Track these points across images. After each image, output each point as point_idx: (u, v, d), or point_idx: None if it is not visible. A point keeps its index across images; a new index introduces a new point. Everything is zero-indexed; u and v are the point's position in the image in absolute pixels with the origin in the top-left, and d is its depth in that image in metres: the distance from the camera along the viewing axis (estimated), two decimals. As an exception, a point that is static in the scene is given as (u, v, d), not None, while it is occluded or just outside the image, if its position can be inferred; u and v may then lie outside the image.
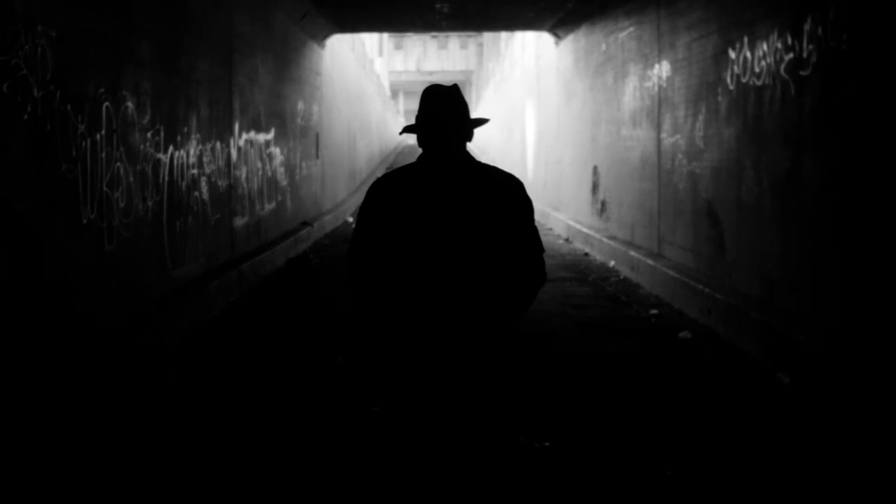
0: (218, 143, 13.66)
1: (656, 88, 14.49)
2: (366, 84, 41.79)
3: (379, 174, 43.82)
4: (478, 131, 72.32)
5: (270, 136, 17.83)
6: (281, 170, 18.99)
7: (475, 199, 4.03)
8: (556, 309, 12.01)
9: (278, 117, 18.67)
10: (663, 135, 14.07)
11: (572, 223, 21.38)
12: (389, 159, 54.81)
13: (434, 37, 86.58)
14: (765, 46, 9.84)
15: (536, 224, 4.85)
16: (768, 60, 9.74)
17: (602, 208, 18.92)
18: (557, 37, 24.67)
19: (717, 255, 11.47)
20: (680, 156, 13.12)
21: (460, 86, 53.66)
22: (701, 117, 12.14)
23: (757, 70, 10.08)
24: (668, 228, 13.86)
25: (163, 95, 10.90)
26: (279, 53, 18.87)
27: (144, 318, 9.61)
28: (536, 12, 21.91)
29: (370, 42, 51.15)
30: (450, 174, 4.08)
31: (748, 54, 10.35)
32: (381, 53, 66.19)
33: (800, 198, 8.97)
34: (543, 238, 21.52)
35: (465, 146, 4.14)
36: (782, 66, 9.34)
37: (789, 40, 9.17)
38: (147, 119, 10.25)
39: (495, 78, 54.90)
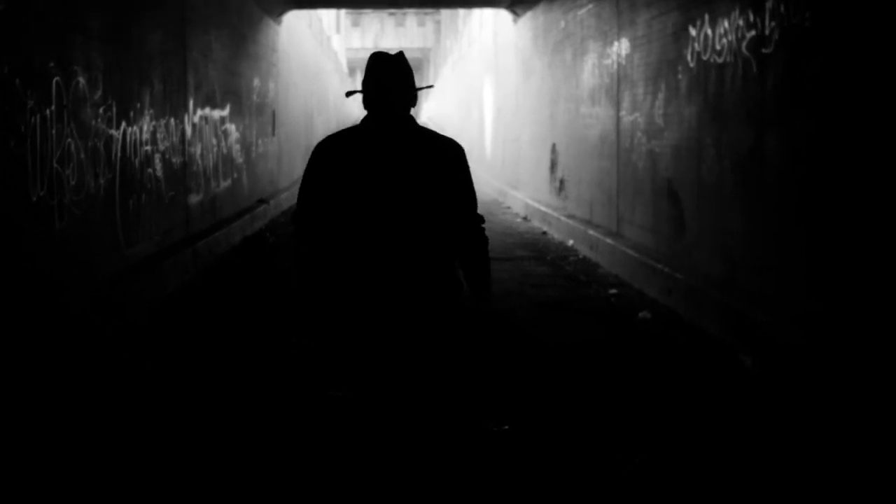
0: (172, 120, 13.42)
1: (615, 66, 14.39)
2: (323, 61, 41.47)
3: (336, 152, 43.81)
4: (435, 108, 72.27)
5: (226, 112, 17.59)
6: (237, 147, 18.76)
7: (416, 160, 4.16)
8: (515, 288, 11.89)
9: (234, 94, 18.42)
10: (622, 113, 13.98)
11: (530, 202, 21.28)
12: (346, 137, 54.43)
13: (391, 14, 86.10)
14: (726, 24, 9.74)
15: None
16: (730, 38, 9.64)
17: (560, 187, 18.83)
18: (516, 14, 24.52)
19: (678, 235, 11.40)
20: (639, 134, 13.03)
21: (418, 63, 53.60)
22: (661, 95, 12.05)
23: (718, 48, 9.99)
24: (627, 207, 13.78)
25: (114, 69, 10.66)
26: (234, 29, 18.60)
27: (102, 299, 9.41)
28: (495, -11, 21.76)
29: (327, 19, 50.74)
30: (392, 137, 4.19)
31: (709, 32, 10.25)
32: (338, 30, 65.75)
33: (762, 175, 8.89)
34: (501, 217, 21.43)
35: (408, 111, 4.27)
36: (744, 44, 9.24)
37: (751, 17, 9.07)
38: (99, 94, 10.02)
39: (453, 56, 54.70)
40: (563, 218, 17.38)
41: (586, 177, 16.47)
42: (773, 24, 8.57)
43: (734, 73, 9.55)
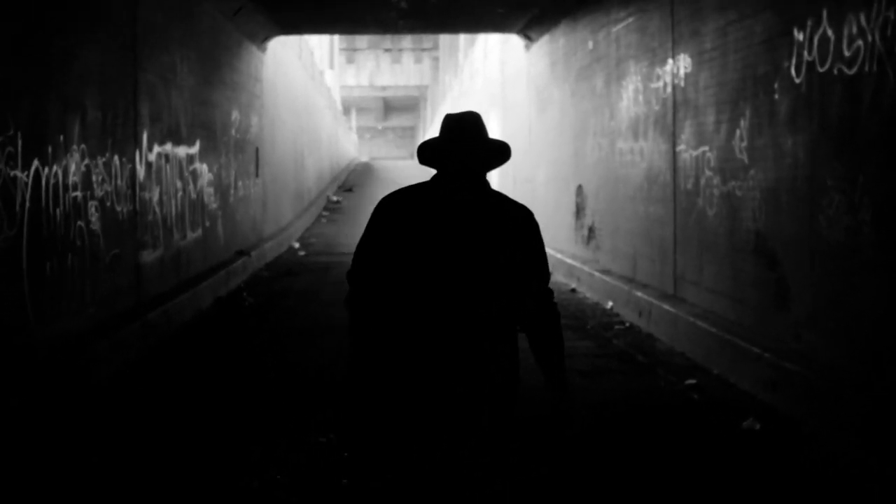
0: (116, 158, 10.63)
1: (669, 89, 11.61)
2: (315, 96, 38.75)
3: (330, 194, 41.17)
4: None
5: (195, 149, 14.80)
6: (209, 190, 15.94)
7: (486, 225, 3.90)
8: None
9: (206, 128, 15.63)
10: (681, 147, 11.19)
11: (550, 251, 18.41)
12: (342, 177, 51.72)
13: (387, 50, 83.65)
14: (862, 19, 6.96)
15: None
16: (869, 39, 6.87)
17: (589, 235, 16.02)
18: (529, 39, 21.79)
19: (776, 308, 8.58)
20: (709, 173, 10.24)
21: (414, 101, 51.28)
22: (744, 122, 9.27)
23: (848, 54, 7.20)
24: (690, 265, 10.97)
25: (22, 92, 7.91)
26: (207, 52, 15.84)
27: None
28: (507, 9, 19.01)
29: (320, 52, 48.20)
30: (462, 198, 3.93)
31: (829, 33, 7.48)
32: (332, 66, 63.18)
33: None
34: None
35: (483, 172, 4.00)
36: (899, 45, 6.48)
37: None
38: (-14, 122, 7.25)
39: (453, 92, 51.96)
40: (595, 273, 14.55)
41: (626, 225, 13.66)
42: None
43: (878, 87, 6.76)
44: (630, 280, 13.23)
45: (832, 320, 7.56)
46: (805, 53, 7.90)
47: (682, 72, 11.14)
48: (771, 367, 8.06)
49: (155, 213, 12.47)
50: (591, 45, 15.79)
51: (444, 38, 68.40)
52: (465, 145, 3.95)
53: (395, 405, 3.88)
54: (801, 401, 7.48)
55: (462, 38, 51.42)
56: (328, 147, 46.78)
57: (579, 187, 16.73)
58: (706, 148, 10.32)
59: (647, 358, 9.98)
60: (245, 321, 13.03)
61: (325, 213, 33.85)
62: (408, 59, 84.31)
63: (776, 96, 8.49)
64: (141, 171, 11.78)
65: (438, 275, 3.84)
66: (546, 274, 3.99)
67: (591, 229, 15.93)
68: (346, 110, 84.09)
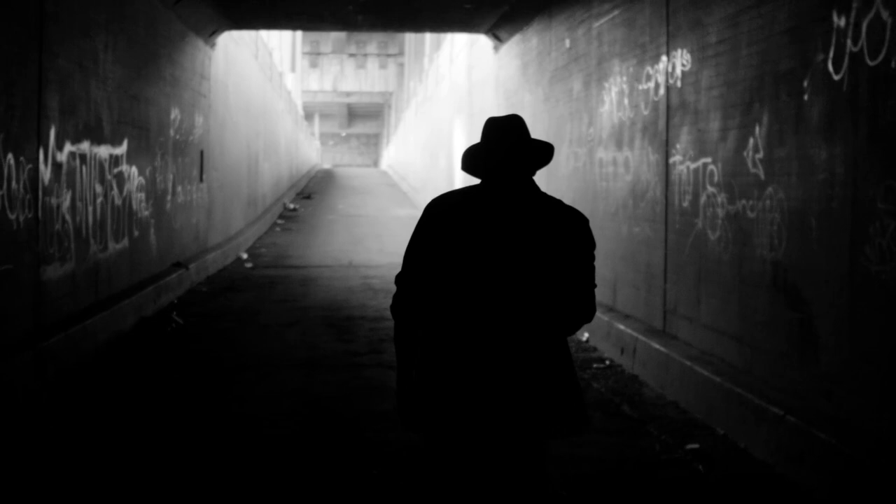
0: (11, 157, 8.93)
1: (662, 91, 10.03)
2: (273, 99, 37.01)
3: (287, 201, 39.39)
4: (395, 156, 67.73)
5: (121, 149, 13.06)
6: (139, 196, 14.21)
7: (537, 230, 3.84)
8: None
9: (137, 126, 13.90)
10: (676, 158, 9.60)
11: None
12: (301, 184, 49.96)
13: (352, 55, 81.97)
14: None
15: None
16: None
17: (562, 255, 14.42)
18: (498, 39, 20.19)
19: (800, 357, 6.99)
20: (711, 189, 8.65)
21: (378, 108, 50.10)
22: (759, 129, 7.68)
23: (911, 41, 5.63)
24: (684, 296, 9.37)
25: None
26: (141, 42, 14.12)
27: None
28: (475, 4, 17.38)
29: (280, 54, 46.44)
30: (511, 202, 3.87)
31: (884, 15, 5.90)
32: (293, 69, 61.33)
33: None
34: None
35: (530, 174, 3.95)
36: None
37: None
38: None
39: (417, 97, 50.31)
40: (569, 298, 12.93)
41: (605, 245, 12.05)
42: None
43: (958, 84, 5.18)
44: (609, 309, 11.62)
45: (879, 378, 5.97)
46: (849, 43, 6.31)
47: (678, 70, 9.56)
48: (796, 434, 6.45)
49: (65, 221, 10.74)
50: (568, 43, 14.20)
51: (410, 44, 66.87)
52: (508, 147, 3.90)
53: (439, 414, 3.79)
54: (839, 481, 5.88)
55: (428, 43, 49.85)
56: (287, 152, 45.00)
57: (552, 201, 15.11)
58: (708, 159, 8.73)
59: (636, 410, 8.32)
60: (166, 349, 11.30)
61: (279, 222, 32.13)
62: (373, 64, 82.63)
63: (806, 97, 6.90)
64: (46, 172, 10.07)
65: (488, 280, 3.79)
66: (592, 281, 3.94)
67: (564, 248, 14.33)
68: (309, 116, 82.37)
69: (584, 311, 3.89)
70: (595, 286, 3.95)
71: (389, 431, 7.31)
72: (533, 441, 3.79)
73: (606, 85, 12.12)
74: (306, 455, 6.98)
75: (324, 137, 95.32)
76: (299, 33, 65.52)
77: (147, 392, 9.04)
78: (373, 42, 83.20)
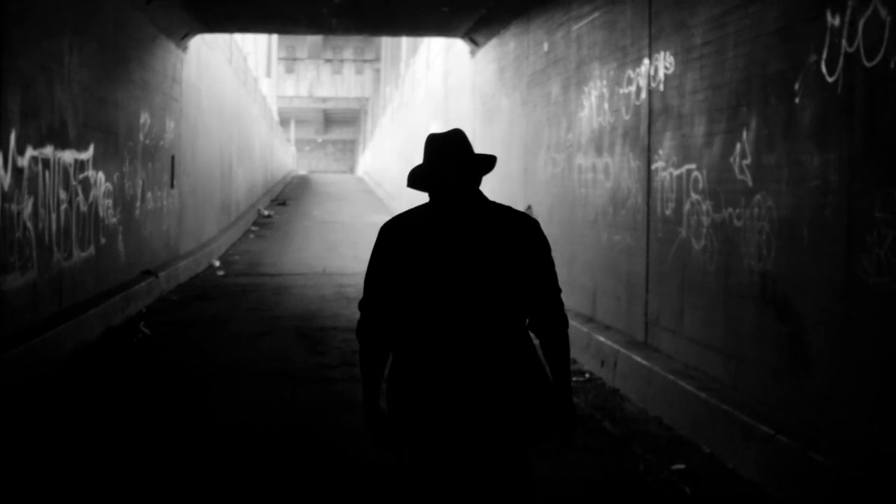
0: (-34, 161, 8.56)
1: (644, 95, 9.72)
2: (247, 103, 36.58)
3: (261, 207, 38.94)
4: (371, 162, 67.33)
5: (87, 154, 12.67)
6: (107, 202, 13.82)
7: (490, 239, 3.87)
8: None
9: (104, 130, 13.51)
10: (658, 164, 9.29)
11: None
12: (276, 190, 49.48)
13: (328, 61, 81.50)
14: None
15: None
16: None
17: (540, 263, 14.10)
18: (475, 44, 19.87)
19: (790, 371, 6.67)
20: (696, 196, 8.34)
21: (355, 114, 49.75)
22: (747, 134, 7.37)
23: (912, 40, 5.33)
24: (666, 307, 9.05)
25: None
26: (109, 44, 13.74)
27: None
28: (452, 7, 17.04)
29: (255, 59, 46.02)
30: (462, 215, 3.91)
31: (882, 13, 5.60)
32: (269, 74, 60.85)
33: None
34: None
35: (475, 186, 3.97)
36: None
37: None
38: None
39: (393, 103, 49.94)
40: (548, 308, 12.59)
41: (584, 254, 11.75)
42: None
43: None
44: (589, 319, 11.30)
45: (875, 392, 5.67)
46: (844, 43, 6.01)
47: (661, 73, 9.25)
48: (787, 453, 6.13)
49: (26, 228, 10.36)
50: (546, 46, 13.89)
51: (386, 49, 66.50)
52: (451, 163, 3.93)
53: (417, 428, 3.81)
54: (833, 502, 5.57)
55: (404, 48, 49.51)
56: (262, 158, 44.55)
57: (528, 208, 14.81)
58: (693, 166, 8.42)
59: (618, 426, 7.98)
60: (132, 360, 10.91)
61: (253, 229, 31.71)
62: (349, 70, 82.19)
63: (797, 100, 6.59)
64: (6, 178, 9.71)
65: (449, 293, 3.82)
66: (555, 282, 3.97)
67: (542, 256, 14.01)
68: (285, 122, 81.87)
69: (556, 308, 3.93)
70: (558, 283, 3.98)
71: (361, 447, 6.96)
72: (511, 447, 3.79)
73: (586, 89, 11.81)
74: (276, 472, 6.63)
75: (300, 143, 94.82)
76: (275, 38, 65.13)
77: (111, 404, 8.66)
78: (349, 48, 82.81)
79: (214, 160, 26.04)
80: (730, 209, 7.66)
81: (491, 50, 18.40)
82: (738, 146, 7.50)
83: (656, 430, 7.83)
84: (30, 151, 10.44)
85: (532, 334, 3.95)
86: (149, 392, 9.18)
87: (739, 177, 7.48)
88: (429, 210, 3.97)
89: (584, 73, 11.92)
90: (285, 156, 65.31)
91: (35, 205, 10.64)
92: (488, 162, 3.99)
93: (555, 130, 13.31)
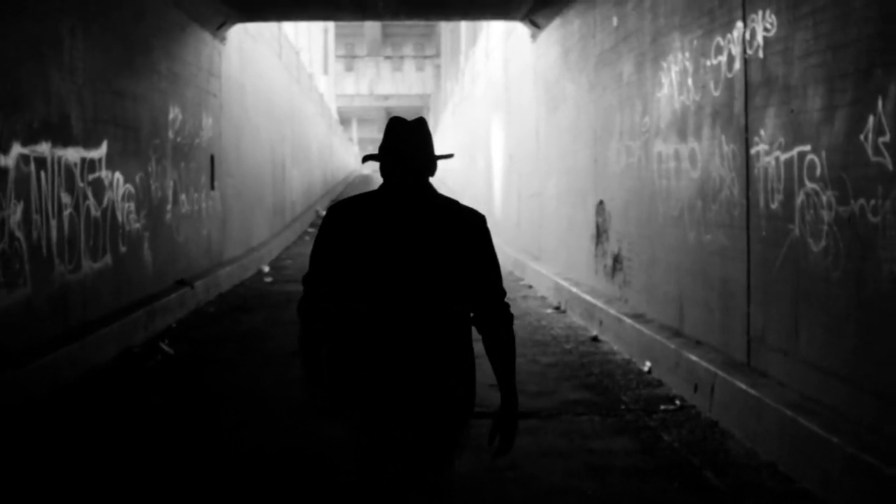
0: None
1: (738, 65, 8.07)
2: (302, 101, 35.24)
3: (320, 208, 37.58)
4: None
5: (99, 152, 11.28)
6: (127, 206, 12.42)
7: (434, 230, 3.88)
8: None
9: (121, 126, 12.12)
10: (760, 147, 7.64)
11: (563, 282, 14.86)
12: (337, 191, 48.22)
13: (388, 58, 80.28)
14: None
15: (508, 275, 4.22)
16: None
17: (615, 266, 12.46)
18: (535, 26, 18.26)
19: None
20: (812, 186, 6.68)
21: (418, 111, 48.69)
22: (884, 104, 5.72)
23: None
24: (775, 322, 7.40)
25: None
26: (124, 29, 12.35)
27: None
28: (510, -13, 15.46)
29: (310, 55, 44.69)
30: (409, 205, 3.91)
31: None
32: (326, 72, 59.58)
33: None
34: (522, 303, 15.15)
35: (426, 179, 3.99)
36: None
37: None
38: None
39: (454, 98, 48.40)
40: (625, 318, 10.94)
41: (667, 256, 10.12)
42: None
43: None
44: (675, 333, 9.66)
45: None
46: None
47: (759, 37, 7.60)
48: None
49: (14, 238, 8.96)
50: (615, 21, 12.25)
51: (446, 43, 65.16)
52: (406, 152, 3.93)
53: (354, 409, 3.83)
54: None
55: (464, 40, 48.04)
56: (320, 158, 43.29)
57: (600, 203, 13.19)
58: (807, 147, 6.76)
59: (723, 477, 6.32)
60: (135, 391, 9.39)
61: (310, 230, 30.39)
62: (409, 66, 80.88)
63: (962, 54, 4.94)
64: (-9, 180, 8.31)
65: (388, 279, 3.82)
66: (498, 277, 3.96)
67: (616, 258, 12.38)
68: (347, 121, 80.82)
69: (497, 304, 3.91)
70: (501, 278, 3.97)
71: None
72: (435, 428, 3.82)
73: (664, 64, 10.17)
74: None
75: (363, 143, 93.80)
76: (331, 35, 63.95)
77: (105, 451, 7.20)
78: (409, 44, 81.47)
79: (264, 160, 24.70)
80: (861, 200, 6.00)
81: (553, 32, 16.79)
82: (872, 120, 5.85)
83: (772, 483, 6.18)
84: (17, 148, 9.06)
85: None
86: (147, 442, 7.70)
87: (874, 159, 5.82)
88: (377, 196, 3.94)
89: (661, 46, 10.29)
90: (347, 155, 64.12)
91: (26, 211, 9.24)
92: (435, 162, 4.00)
93: (628, 115, 11.68)
